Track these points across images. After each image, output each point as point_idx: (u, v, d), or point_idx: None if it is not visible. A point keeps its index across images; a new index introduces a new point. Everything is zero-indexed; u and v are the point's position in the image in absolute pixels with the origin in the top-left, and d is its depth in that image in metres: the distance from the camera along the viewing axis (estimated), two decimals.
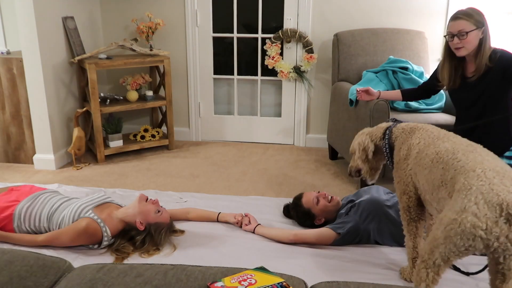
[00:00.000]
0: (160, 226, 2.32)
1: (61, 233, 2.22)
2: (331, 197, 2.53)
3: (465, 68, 2.51)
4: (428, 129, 1.94)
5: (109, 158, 3.81)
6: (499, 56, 2.39)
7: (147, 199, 2.35)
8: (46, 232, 2.33)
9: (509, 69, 2.36)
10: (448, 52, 2.49)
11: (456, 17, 2.38)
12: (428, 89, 2.79)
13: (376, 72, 3.48)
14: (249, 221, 2.55)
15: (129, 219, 2.30)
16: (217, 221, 2.62)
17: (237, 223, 2.57)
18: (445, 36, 2.47)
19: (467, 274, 2.08)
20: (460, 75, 2.51)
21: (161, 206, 2.39)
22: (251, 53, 4.22)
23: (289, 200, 2.75)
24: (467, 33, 2.34)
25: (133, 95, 3.88)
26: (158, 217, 2.32)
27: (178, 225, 2.54)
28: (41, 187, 2.62)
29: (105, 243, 2.27)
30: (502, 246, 1.43)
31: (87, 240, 2.24)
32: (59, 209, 2.33)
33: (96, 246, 2.29)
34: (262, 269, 1.36)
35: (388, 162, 2.10)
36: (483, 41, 2.38)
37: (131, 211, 2.30)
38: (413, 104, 3.26)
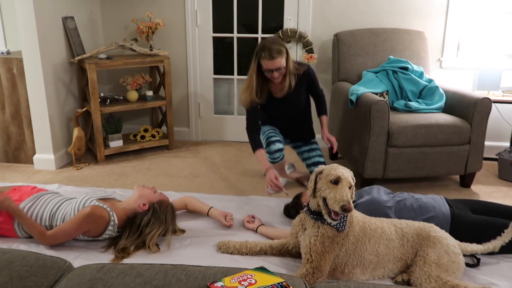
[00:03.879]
0: (163, 203, 2.39)
1: (66, 223, 2.23)
2: None
3: (271, 87, 2.81)
4: None
5: (109, 158, 3.82)
6: (304, 71, 2.78)
7: (144, 186, 2.45)
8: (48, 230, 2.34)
9: (313, 84, 2.84)
10: (257, 75, 2.71)
11: (272, 56, 2.59)
12: (258, 122, 2.91)
13: (376, 72, 3.48)
14: (253, 220, 2.57)
15: (132, 205, 2.37)
16: (207, 215, 2.64)
17: (228, 226, 2.56)
18: (263, 71, 2.67)
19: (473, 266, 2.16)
20: (266, 92, 2.81)
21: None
22: (251, 53, 4.20)
23: (289, 200, 2.76)
24: (284, 67, 2.65)
25: (133, 95, 3.88)
26: (159, 195, 2.41)
27: (179, 225, 2.54)
28: (42, 188, 2.62)
29: (110, 228, 2.28)
30: None
31: (93, 225, 2.23)
32: (61, 206, 2.33)
33: (103, 234, 2.29)
34: (262, 269, 1.36)
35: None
36: (287, 63, 2.67)
37: (132, 198, 2.40)
38: (413, 104, 3.26)
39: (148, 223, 2.31)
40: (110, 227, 2.28)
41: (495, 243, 2.11)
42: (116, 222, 2.30)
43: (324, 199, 1.94)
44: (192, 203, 2.69)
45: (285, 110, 2.91)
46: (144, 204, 2.34)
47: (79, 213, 2.22)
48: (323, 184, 1.94)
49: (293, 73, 2.74)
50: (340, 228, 1.97)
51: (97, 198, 2.37)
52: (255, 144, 2.75)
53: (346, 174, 1.93)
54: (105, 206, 2.28)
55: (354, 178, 1.99)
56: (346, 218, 1.99)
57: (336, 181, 1.90)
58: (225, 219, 2.55)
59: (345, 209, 1.83)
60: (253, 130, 2.80)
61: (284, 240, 2.27)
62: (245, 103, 2.78)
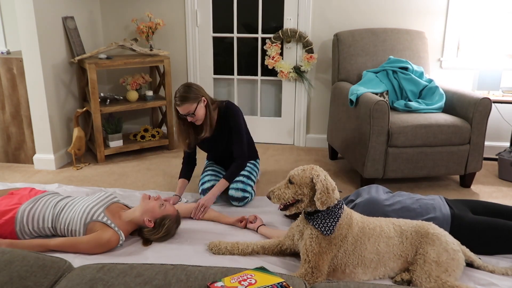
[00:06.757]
0: (167, 217, 2.38)
1: (80, 242, 2.23)
2: None
3: (200, 127, 2.88)
4: None
5: (109, 158, 3.82)
6: (224, 109, 2.88)
7: (149, 197, 2.42)
8: (51, 233, 2.35)
9: (230, 124, 2.87)
10: (181, 119, 2.82)
11: (177, 104, 2.72)
12: (193, 156, 3.04)
13: (376, 72, 3.48)
14: (255, 219, 2.57)
15: (137, 220, 2.38)
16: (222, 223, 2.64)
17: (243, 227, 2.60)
18: (179, 115, 2.79)
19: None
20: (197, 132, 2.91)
21: (165, 200, 2.46)
22: (251, 53, 4.22)
23: None
24: (194, 112, 2.72)
25: (133, 95, 3.88)
26: (164, 210, 2.39)
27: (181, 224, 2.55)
28: (40, 189, 2.62)
29: (118, 246, 2.33)
30: None
31: (105, 250, 2.27)
32: (65, 209, 2.34)
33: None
34: (262, 269, 1.36)
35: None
36: (207, 105, 2.78)
37: (138, 212, 2.38)
38: (413, 104, 3.26)
39: (158, 237, 2.38)
40: (117, 247, 2.33)
41: (496, 267, 2.10)
42: (123, 238, 2.33)
43: None
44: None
45: (213, 147, 3.02)
46: (149, 221, 2.35)
47: (95, 237, 2.23)
48: None
49: (213, 116, 2.85)
50: (325, 232, 1.97)
51: (105, 208, 2.36)
52: (181, 174, 2.99)
53: (292, 171, 2.03)
54: (116, 228, 2.29)
55: (313, 177, 1.97)
56: (333, 222, 1.98)
57: None
58: (241, 223, 2.58)
59: (267, 197, 2.07)
60: (185, 163, 3.01)
61: (277, 240, 2.27)
62: (184, 146, 2.94)
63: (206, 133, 2.83)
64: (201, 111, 2.76)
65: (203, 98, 2.76)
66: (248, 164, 3.05)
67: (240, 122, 2.89)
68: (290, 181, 2.01)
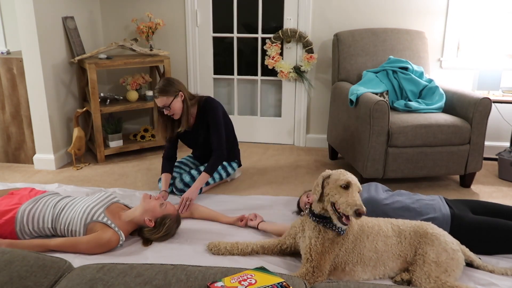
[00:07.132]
0: (168, 217, 2.39)
1: (80, 242, 2.23)
2: None
3: (178, 122, 2.96)
4: None
5: (109, 158, 3.81)
6: (203, 104, 2.97)
7: (150, 197, 2.43)
8: (51, 233, 2.35)
9: (208, 118, 2.95)
10: (160, 113, 2.91)
11: (155, 96, 2.82)
12: (174, 151, 3.09)
13: (376, 72, 3.48)
14: (255, 217, 2.58)
15: (138, 219, 2.38)
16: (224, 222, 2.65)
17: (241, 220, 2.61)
18: (158, 108, 2.87)
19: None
20: (176, 126, 2.99)
21: (165, 200, 2.48)
22: (251, 53, 4.22)
23: (289, 199, 2.77)
24: (169, 105, 2.81)
25: (133, 95, 3.88)
26: (164, 210, 2.40)
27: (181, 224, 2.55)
28: (41, 190, 2.62)
29: (118, 246, 2.33)
30: None
31: (105, 250, 2.27)
32: (65, 209, 2.34)
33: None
34: (262, 269, 1.36)
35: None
36: (185, 101, 2.87)
37: (138, 212, 2.38)
38: (413, 104, 3.26)
39: (158, 237, 2.39)
40: (117, 246, 2.32)
41: (496, 268, 2.10)
42: (123, 239, 2.33)
43: (333, 204, 1.94)
44: (200, 210, 2.70)
45: (194, 141, 3.13)
46: (150, 220, 2.36)
47: (95, 237, 2.23)
48: (332, 189, 1.94)
49: (191, 111, 2.96)
50: (342, 232, 1.98)
51: (106, 208, 2.36)
52: (163, 169, 3.04)
53: (356, 179, 1.95)
54: (116, 229, 2.29)
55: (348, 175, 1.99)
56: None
57: (347, 186, 1.91)
58: (241, 222, 2.59)
59: (359, 213, 1.83)
60: (165, 157, 3.07)
61: (277, 240, 2.27)
62: (163, 139, 3.04)
63: (182, 127, 2.92)
64: (176, 105, 2.84)
65: (180, 93, 2.85)
66: None
67: (218, 115, 2.96)
68: (359, 190, 1.93)
